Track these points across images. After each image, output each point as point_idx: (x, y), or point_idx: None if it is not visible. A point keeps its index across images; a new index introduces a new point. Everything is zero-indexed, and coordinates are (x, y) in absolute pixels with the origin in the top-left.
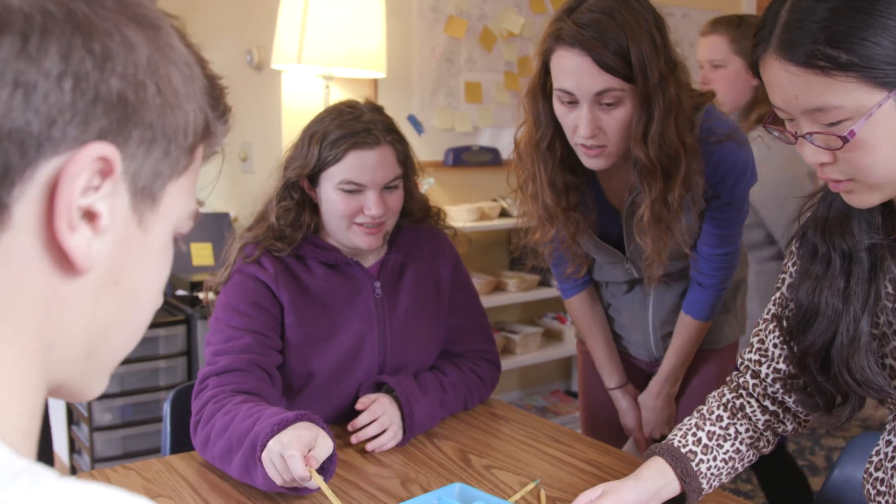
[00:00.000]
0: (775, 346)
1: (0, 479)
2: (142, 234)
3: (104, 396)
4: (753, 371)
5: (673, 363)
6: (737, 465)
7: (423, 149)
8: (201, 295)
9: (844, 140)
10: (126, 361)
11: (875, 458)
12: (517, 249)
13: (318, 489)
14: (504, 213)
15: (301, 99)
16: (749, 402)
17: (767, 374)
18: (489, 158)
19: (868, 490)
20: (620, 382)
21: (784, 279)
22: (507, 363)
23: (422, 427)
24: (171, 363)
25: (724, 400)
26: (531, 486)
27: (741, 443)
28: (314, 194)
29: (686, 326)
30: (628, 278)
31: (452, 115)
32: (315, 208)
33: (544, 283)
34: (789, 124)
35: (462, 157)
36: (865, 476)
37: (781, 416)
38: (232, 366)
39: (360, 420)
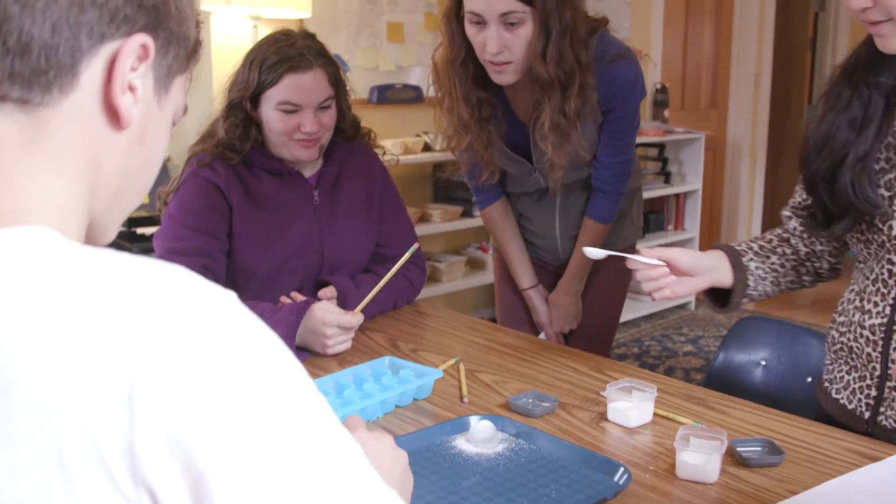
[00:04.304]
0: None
1: (88, 249)
2: (159, 111)
3: None
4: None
5: (578, 263)
6: (780, 279)
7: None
8: (147, 237)
9: None
10: None
11: (840, 307)
12: (442, 173)
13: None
14: (427, 148)
15: (230, 39)
16: (793, 236)
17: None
18: (412, 96)
19: (833, 335)
20: (533, 283)
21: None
22: (432, 290)
23: None
24: None
25: (774, 232)
26: (452, 361)
27: (787, 260)
28: (256, 114)
29: (589, 229)
30: (537, 187)
31: (376, 54)
32: (260, 125)
33: (467, 214)
34: None
35: (386, 95)
36: (831, 325)
37: (818, 255)
38: (186, 266)
39: None
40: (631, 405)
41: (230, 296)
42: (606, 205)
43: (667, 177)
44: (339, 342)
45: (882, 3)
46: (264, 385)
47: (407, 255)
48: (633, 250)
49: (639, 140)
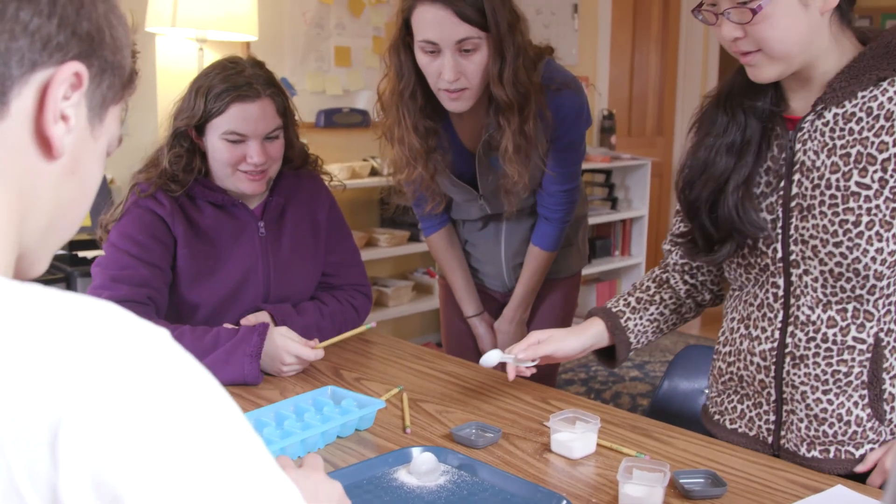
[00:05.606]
0: (682, 220)
1: (14, 285)
2: (93, 142)
3: None
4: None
5: (524, 290)
6: (661, 326)
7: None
8: (88, 261)
9: (754, 12)
10: None
11: (721, 338)
12: (386, 192)
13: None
14: (374, 172)
15: (175, 61)
16: (673, 276)
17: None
18: (359, 120)
19: (720, 367)
20: (478, 311)
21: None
22: (379, 315)
23: None
24: None
25: (653, 275)
26: (395, 390)
27: (665, 307)
28: (201, 143)
29: (535, 257)
30: (482, 215)
31: (323, 78)
32: (204, 155)
33: (414, 238)
34: (711, 8)
35: (333, 119)
36: (715, 356)
37: (700, 288)
38: (131, 297)
39: None
40: (574, 436)
41: (162, 334)
42: (552, 232)
43: (613, 203)
44: (295, 369)
45: (752, 35)
46: (195, 427)
47: (362, 328)
48: (578, 277)
49: (586, 166)
